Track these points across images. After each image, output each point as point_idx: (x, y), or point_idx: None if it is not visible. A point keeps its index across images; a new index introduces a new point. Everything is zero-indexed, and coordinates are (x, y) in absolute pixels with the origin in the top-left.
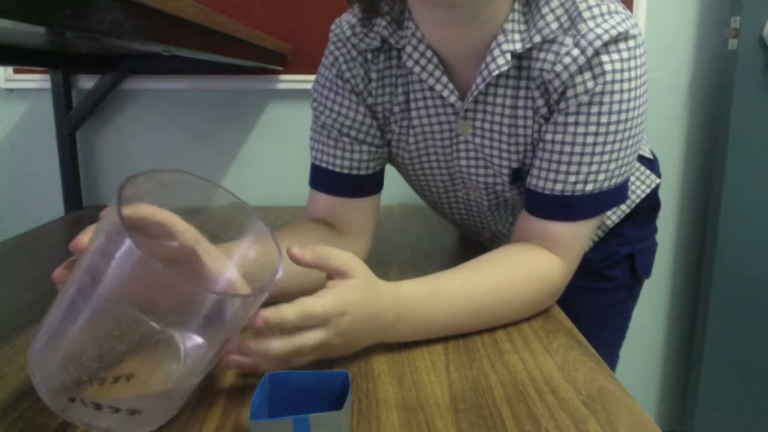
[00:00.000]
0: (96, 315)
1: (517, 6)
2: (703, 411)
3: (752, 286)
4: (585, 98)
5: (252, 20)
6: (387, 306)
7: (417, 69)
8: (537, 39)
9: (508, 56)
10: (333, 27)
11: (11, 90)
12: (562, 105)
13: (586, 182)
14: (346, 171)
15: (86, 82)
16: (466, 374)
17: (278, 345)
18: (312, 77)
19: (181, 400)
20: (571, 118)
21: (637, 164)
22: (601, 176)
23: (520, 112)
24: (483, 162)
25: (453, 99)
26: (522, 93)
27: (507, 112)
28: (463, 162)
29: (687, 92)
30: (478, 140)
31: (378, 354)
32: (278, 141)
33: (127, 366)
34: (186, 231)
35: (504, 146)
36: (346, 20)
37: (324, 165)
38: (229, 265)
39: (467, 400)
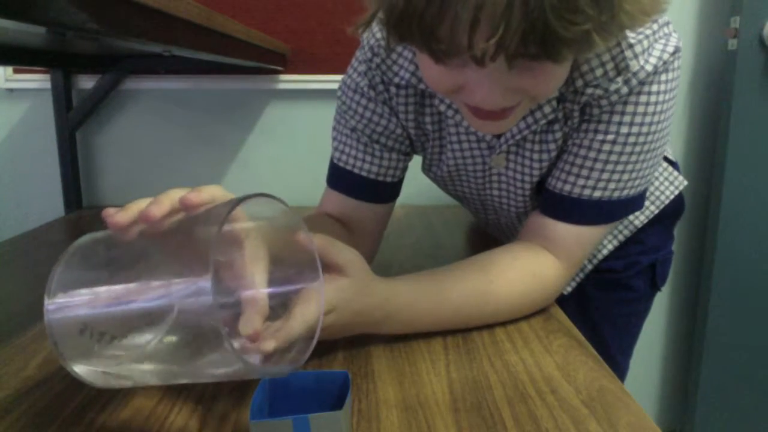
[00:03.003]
0: (136, 300)
1: None
2: (703, 411)
3: (752, 285)
4: (608, 107)
5: (252, 20)
6: (377, 305)
7: (450, 113)
8: (579, 83)
9: (555, 103)
10: (361, 33)
11: (11, 90)
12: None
13: (594, 188)
14: (372, 177)
15: (86, 82)
16: (466, 374)
17: (268, 345)
18: (312, 77)
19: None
20: (592, 126)
21: (665, 164)
22: (612, 185)
23: (552, 145)
24: (514, 194)
25: (489, 137)
26: (557, 127)
27: (537, 147)
28: (495, 192)
29: (687, 92)
30: (510, 173)
31: (378, 354)
32: (278, 141)
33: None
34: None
35: (536, 173)
36: (367, 40)
37: (349, 168)
38: (263, 279)
39: (467, 400)
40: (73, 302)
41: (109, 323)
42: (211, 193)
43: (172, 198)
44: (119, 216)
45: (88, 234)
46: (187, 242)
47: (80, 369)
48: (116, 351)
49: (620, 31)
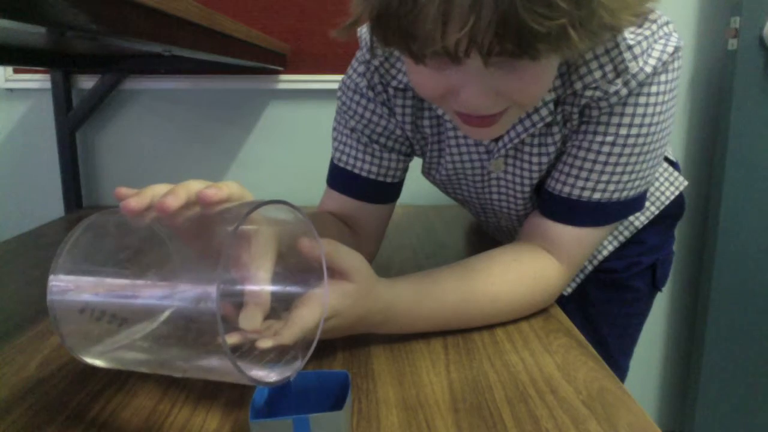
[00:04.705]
0: (139, 296)
1: None
2: (703, 411)
3: (752, 286)
4: (607, 109)
5: (252, 20)
6: (379, 309)
7: (447, 116)
8: (578, 86)
9: (552, 106)
10: (360, 34)
11: (11, 90)
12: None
13: (594, 190)
14: (372, 177)
15: (86, 82)
16: (466, 374)
17: (264, 344)
18: (312, 77)
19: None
20: (591, 127)
21: (665, 165)
22: (611, 187)
23: (551, 148)
24: (514, 197)
25: (486, 141)
26: (556, 129)
27: (535, 150)
28: (495, 196)
29: (687, 92)
30: (509, 177)
31: (378, 354)
32: (278, 141)
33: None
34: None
35: (536, 176)
36: (366, 41)
37: (349, 168)
38: (267, 276)
39: (467, 400)
40: (76, 284)
41: (110, 309)
42: (230, 191)
43: (189, 190)
44: (134, 201)
45: (100, 213)
46: (200, 240)
47: (77, 346)
48: (114, 334)
49: (603, 29)
